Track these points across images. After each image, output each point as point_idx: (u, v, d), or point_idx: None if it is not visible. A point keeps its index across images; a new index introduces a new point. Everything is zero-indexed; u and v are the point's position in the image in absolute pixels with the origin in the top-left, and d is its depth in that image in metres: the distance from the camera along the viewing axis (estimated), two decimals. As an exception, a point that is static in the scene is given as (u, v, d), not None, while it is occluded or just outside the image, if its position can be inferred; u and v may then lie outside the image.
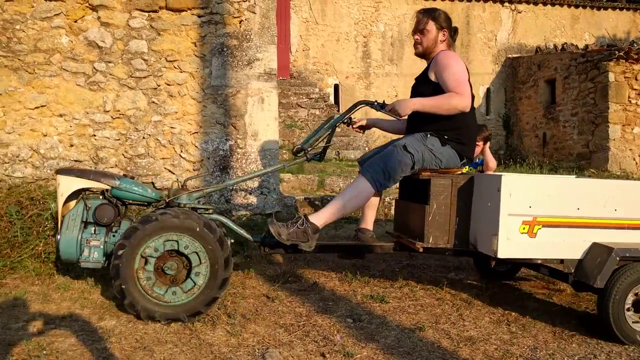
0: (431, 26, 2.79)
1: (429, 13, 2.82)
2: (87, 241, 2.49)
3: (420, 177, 2.75)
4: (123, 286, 2.33)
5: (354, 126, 3.21)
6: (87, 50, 4.43)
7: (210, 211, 2.70)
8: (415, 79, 3.04)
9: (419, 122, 2.84)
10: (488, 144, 3.54)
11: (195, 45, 4.64)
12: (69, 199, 2.61)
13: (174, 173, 4.57)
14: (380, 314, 2.76)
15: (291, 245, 2.63)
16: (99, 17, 4.43)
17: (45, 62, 4.34)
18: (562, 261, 2.59)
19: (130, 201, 2.69)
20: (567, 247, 2.53)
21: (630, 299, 2.50)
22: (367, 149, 7.95)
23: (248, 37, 4.77)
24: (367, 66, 11.15)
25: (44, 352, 2.04)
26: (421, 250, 2.68)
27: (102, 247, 2.50)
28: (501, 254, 2.45)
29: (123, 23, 4.49)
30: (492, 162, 3.48)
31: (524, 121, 11.14)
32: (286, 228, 2.60)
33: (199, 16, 4.65)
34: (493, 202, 2.48)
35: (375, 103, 2.87)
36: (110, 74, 4.47)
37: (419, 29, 2.85)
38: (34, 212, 3.68)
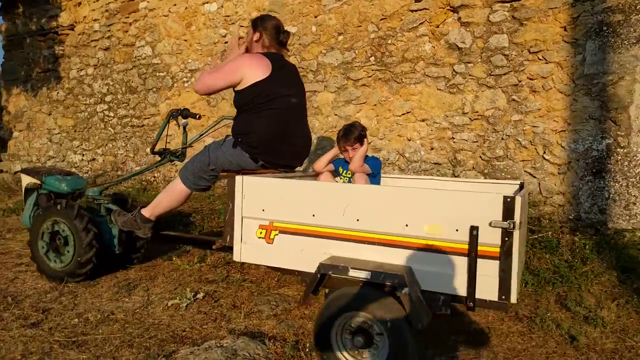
0: (250, 30, 2.93)
1: (252, 20, 2.97)
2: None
3: (220, 177, 2.91)
4: (33, 254, 3.33)
5: None
6: (447, 53, 4.47)
7: (106, 202, 3.43)
8: None
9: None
10: (365, 143, 2.93)
11: (565, 30, 4.02)
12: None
13: (535, 177, 4.13)
14: None
15: (128, 232, 3.19)
16: (459, 18, 4.40)
17: (410, 70, 4.63)
18: (298, 274, 2.31)
19: (57, 192, 3.51)
20: (304, 258, 2.22)
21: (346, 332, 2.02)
22: None
23: (638, 7, 3.79)
24: None
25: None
26: (216, 246, 2.72)
27: None
28: (236, 257, 2.42)
29: (483, 19, 4.31)
30: (353, 163, 2.89)
31: None
32: (124, 217, 3.10)
33: (571, -6, 3.99)
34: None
35: (179, 110, 3.21)
36: (469, 75, 4.38)
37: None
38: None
